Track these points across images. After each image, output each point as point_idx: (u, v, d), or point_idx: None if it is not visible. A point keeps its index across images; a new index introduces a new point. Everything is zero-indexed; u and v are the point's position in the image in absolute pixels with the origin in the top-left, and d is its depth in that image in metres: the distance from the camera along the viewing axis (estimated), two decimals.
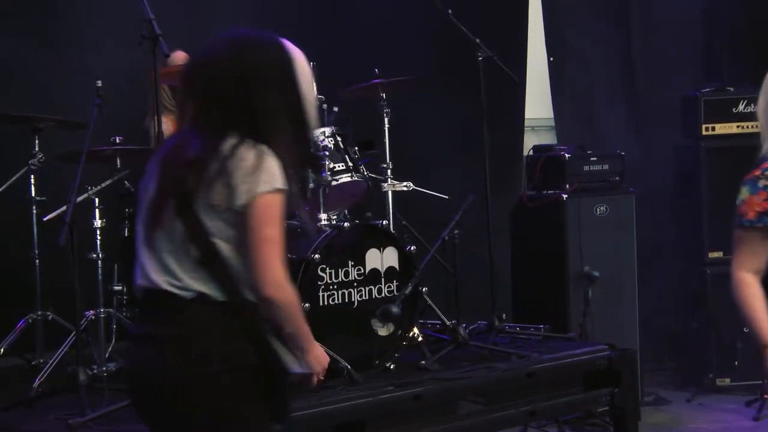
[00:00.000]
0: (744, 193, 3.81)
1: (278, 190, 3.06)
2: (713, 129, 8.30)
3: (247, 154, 3.01)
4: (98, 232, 6.12)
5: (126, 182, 6.30)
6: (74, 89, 6.80)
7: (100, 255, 6.09)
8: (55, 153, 6.29)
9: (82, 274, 5.99)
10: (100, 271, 6.09)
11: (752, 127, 8.00)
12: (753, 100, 8.23)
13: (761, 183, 3.76)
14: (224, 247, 3.05)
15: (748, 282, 3.81)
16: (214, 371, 2.97)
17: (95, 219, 6.10)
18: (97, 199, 6.13)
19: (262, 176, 3.00)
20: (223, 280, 3.05)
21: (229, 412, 3.01)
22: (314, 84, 3.61)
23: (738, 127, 8.28)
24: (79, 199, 5.96)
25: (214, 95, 3.16)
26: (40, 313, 6.20)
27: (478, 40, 7.04)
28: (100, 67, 6.54)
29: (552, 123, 9.77)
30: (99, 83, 6.02)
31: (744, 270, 3.81)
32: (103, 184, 6.14)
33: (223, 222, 3.05)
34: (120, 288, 6.26)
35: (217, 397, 2.99)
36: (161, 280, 3.10)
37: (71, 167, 6.05)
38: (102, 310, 6.00)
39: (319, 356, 3.35)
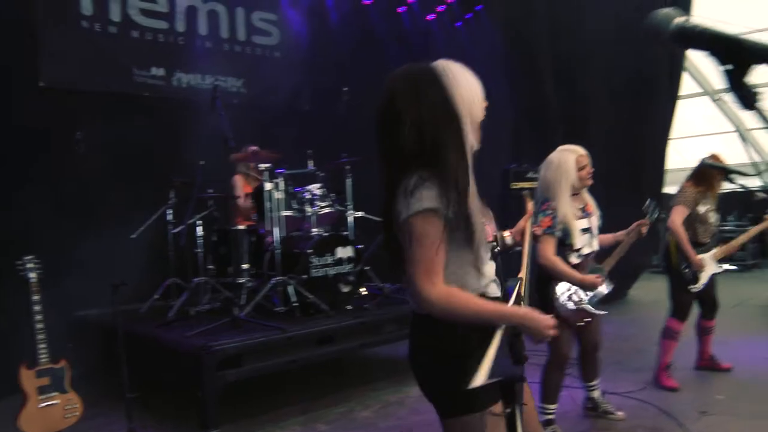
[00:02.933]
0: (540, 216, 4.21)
1: (428, 210, 2.04)
2: (516, 184, 8.36)
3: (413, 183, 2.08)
4: (200, 239, 6.16)
5: (215, 212, 6.34)
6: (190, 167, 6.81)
7: (201, 249, 6.12)
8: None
9: (190, 260, 6.07)
10: (201, 258, 6.12)
11: (531, 184, 8.17)
12: (534, 170, 8.43)
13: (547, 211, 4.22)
14: None
15: None
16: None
17: (198, 231, 6.14)
18: (200, 222, 6.15)
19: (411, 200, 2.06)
20: None
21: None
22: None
23: (528, 183, 8.31)
24: (191, 221, 6.04)
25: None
26: (172, 279, 6.22)
27: None
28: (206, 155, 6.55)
29: None
30: (202, 162, 6.08)
31: None
32: (203, 213, 6.19)
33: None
34: (212, 267, 6.24)
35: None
36: None
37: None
38: (202, 278, 6.04)
39: (527, 317, 2.17)
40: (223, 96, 7.09)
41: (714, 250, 5.62)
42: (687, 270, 5.54)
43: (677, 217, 5.51)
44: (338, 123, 7.07)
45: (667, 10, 1.23)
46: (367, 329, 5.72)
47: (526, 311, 2.20)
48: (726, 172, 3.97)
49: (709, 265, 5.58)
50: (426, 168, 2.09)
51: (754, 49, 1.11)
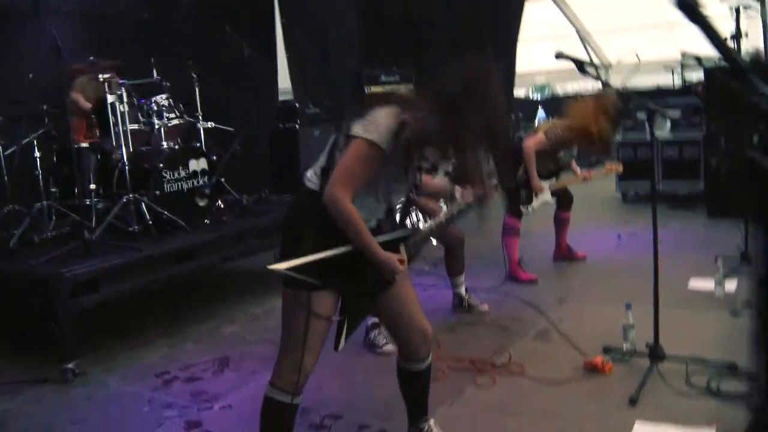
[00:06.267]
0: None
1: (371, 141, 2.45)
2: (370, 89, 8.21)
3: (380, 112, 2.50)
4: (38, 160, 5.77)
5: (53, 131, 5.94)
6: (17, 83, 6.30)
7: (40, 171, 5.75)
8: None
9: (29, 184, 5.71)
10: (41, 180, 5.76)
11: (384, 88, 7.96)
12: (389, 74, 8.31)
13: None
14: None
15: None
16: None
17: (35, 151, 5.75)
18: (35, 141, 5.75)
19: (369, 126, 2.46)
20: (322, 180, 2.57)
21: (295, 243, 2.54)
22: None
23: (382, 87, 8.16)
24: (25, 141, 5.65)
25: None
26: (10, 205, 5.81)
27: (244, 44, 6.91)
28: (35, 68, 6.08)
29: (290, 89, 9.67)
30: (31, 75, 5.66)
31: None
32: (39, 132, 5.79)
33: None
34: (54, 190, 5.89)
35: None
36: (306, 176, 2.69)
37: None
38: (45, 202, 5.69)
39: (386, 262, 2.60)
40: (51, 2, 6.61)
41: (551, 181, 5.99)
42: (524, 192, 5.86)
43: (534, 144, 5.69)
44: (180, 29, 6.75)
45: None
46: (227, 242, 5.65)
47: (385, 257, 2.58)
48: (579, 64, 4.07)
49: (546, 192, 5.93)
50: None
51: None
